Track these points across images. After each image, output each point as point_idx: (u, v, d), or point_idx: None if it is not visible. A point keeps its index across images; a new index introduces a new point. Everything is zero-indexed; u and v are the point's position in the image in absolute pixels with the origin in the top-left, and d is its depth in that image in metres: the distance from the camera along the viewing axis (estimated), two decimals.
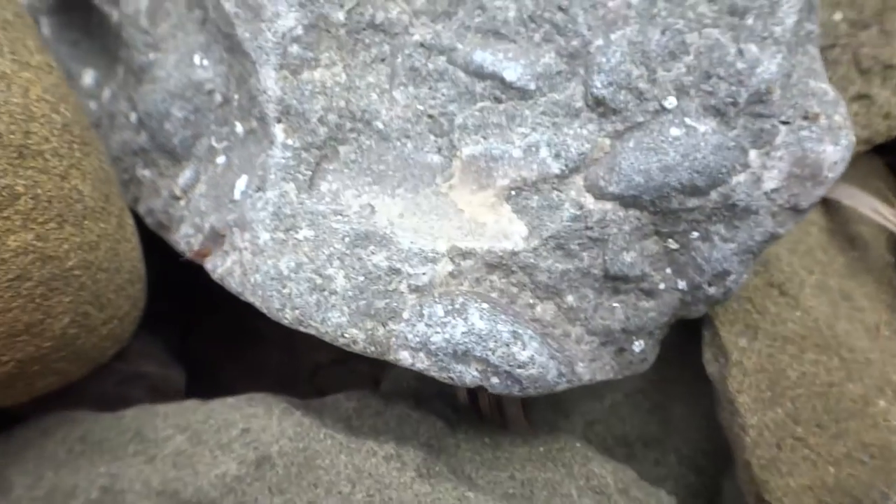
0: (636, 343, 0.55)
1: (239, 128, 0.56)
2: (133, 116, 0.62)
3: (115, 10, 0.60)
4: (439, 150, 0.52)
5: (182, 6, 0.57)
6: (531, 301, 0.52)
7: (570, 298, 0.52)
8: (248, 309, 0.70)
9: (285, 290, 0.51)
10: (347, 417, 0.61)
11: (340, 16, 0.49)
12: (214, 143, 0.58)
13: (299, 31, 0.49)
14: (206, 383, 0.79)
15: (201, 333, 0.82)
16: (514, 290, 0.52)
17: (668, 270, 0.52)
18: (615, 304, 0.53)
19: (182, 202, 0.58)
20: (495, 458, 0.58)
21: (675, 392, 0.69)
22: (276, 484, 0.54)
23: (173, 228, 0.59)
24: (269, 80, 0.50)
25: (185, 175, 0.58)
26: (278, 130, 0.51)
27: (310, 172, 0.52)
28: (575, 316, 0.53)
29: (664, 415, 0.68)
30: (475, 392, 0.65)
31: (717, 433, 0.69)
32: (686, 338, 0.64)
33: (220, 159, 0.57)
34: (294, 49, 0.49)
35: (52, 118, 0.47)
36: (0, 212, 0.44)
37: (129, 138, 0.62)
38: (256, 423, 0.57)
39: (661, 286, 0.53)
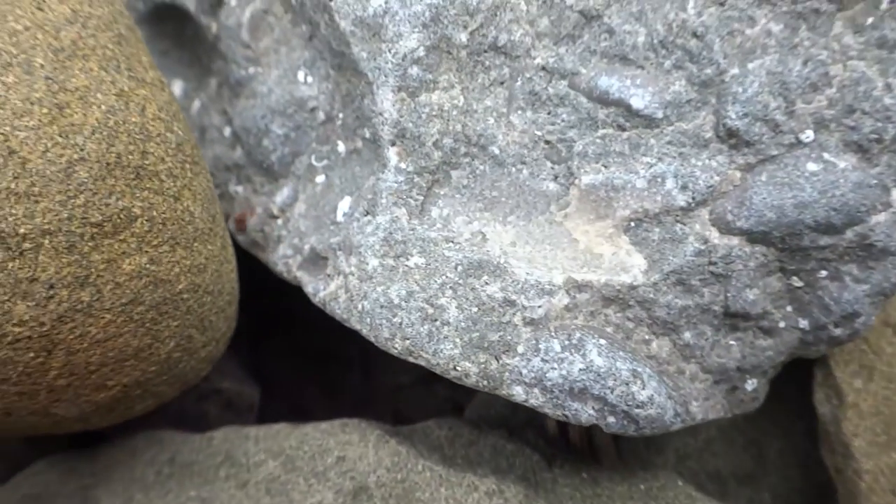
0: (749, 382, 0.53)
1: (341, 147, 0.55)
2: (227, 131, 0.60)
3: (213, 21, 0.59)
4: (556, 178, 0.50)
5: (287, 21, 0.56)
6: (647, 337, 0.50)
7: (686, 335, 0.50)
8: (323, 327, 0.69)
9: (395, 319, 0.49)
10: (439, 446, 0.59)
11: (463, 37, 0.48)
12: (314, 162, 0.56)
13: (421, 52, 0.47)
14: (280, 401, 0.77)
15: (273, 350, 0.81)
16: (630, 325, 0.50)
17: (789, 308, 0.50)
18: (732, 342, 0.51)
19: (280, 221, 0.57)
20: (595, 496, 0.56)
21: (770, 428, 0.66)
22: None
23: (269, 248, 0.57)
24: (386, 102, 0.48)
25: (283, 193, 0.57)
26: (392, 154, 0.49)
27: (421, 197, 0.50)
28: (690, 353, 0.51)
29: (759, 451, 0.66)
30: (565, 423, 0.63)
31: (814, 471, 0.66)
32: (783, 373, 0.62)
33: (320, 178, 0.56)
34: (414, 71, 0.48)
35: (167, 137, 0.46)
36: (116, 235, 0.43)
37: (221, 153, 0.61)
38: (352, 450, 0.55)
39: (781, 325, 0.50)
